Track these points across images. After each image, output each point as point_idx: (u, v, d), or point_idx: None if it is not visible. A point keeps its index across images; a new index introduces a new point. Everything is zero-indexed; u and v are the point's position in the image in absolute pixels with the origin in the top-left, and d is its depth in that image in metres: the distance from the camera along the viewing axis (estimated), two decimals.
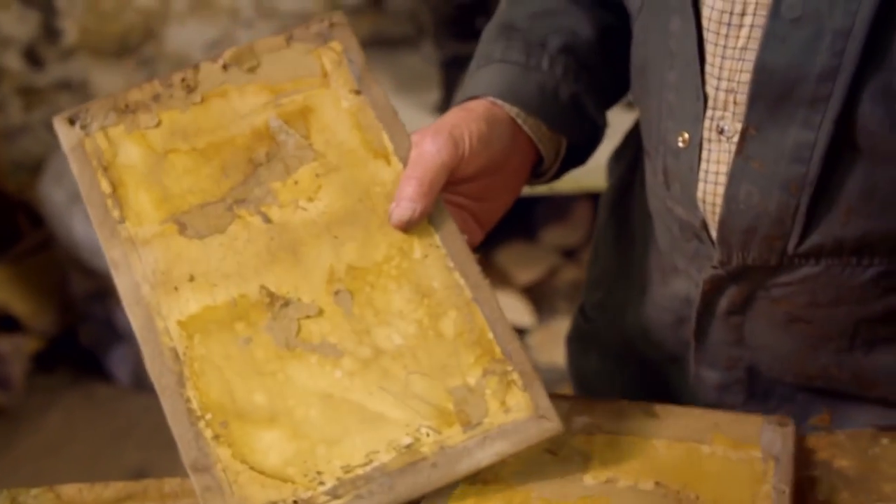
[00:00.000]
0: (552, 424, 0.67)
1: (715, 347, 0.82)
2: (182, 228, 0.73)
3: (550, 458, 0.71)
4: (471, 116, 0.76)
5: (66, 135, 0.75)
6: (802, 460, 0.73)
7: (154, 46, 2.29)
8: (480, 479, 0.69)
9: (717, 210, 0.74)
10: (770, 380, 0.82)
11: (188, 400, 0.68)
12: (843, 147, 0.68)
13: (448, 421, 0.67)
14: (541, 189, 0.89)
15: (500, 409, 0.68)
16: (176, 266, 0.71)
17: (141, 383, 2.12)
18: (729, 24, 0.69)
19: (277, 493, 0.65)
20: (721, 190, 0.73)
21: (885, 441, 0.75)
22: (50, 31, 2.23)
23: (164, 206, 0.73)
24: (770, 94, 0.68)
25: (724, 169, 0.73)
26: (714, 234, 0.75)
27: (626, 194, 0.93)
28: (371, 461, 0.66)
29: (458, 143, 0.73)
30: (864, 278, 0.73)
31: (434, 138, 0.73)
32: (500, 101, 0.79)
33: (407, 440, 0.67)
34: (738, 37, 0.69)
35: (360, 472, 0.66)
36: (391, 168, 0.75)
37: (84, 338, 2.19)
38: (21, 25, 2.23)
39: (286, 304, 0.70)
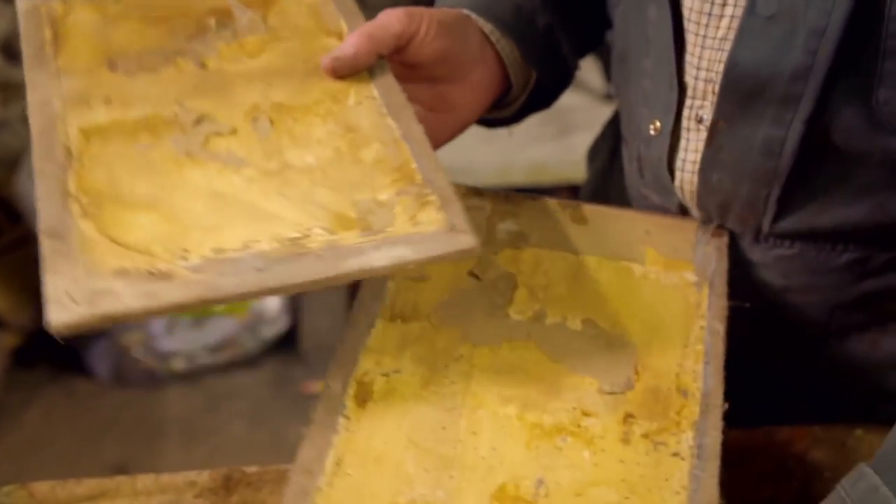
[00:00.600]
0: (467, 238, 0.59)
1: None
2: (112, 66, 0.69)
3: (475, 284, 0.67)
4: (439, 11, 0.75)
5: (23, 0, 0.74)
6: (777, 452, 0.73)
7: None
8: (400, 314, 0.64)
9: (695, 198, 0.74)
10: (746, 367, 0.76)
11: (65, 183, 0.60)
12: (814, 143, 0.67)
13: (347, 226, 0.59)
14: (520, 180, 0.86)
15: (409, 222, 0.59)
16: (96, 91, 0.67)
17: (121, 379, 2.14)
18: (710, 14, 0.69)
19: (132, 262, 0.55)
20: (696, 178, 0.73)
21: (859, 433, 0.74)
22: None
23: (100, 51, 0.70)
24: (741, 90, 0.67)
25: (693, 157, 0.73)
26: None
27: (605, 184, 0.92)
28: (248, 248, 0.57)
29: (413, 19, 0.71)
30: (839, 263, 0.73)
31: (389, 11, 0.71)
32: (474, 15, 0.77)
33: (294, 235, 0.58)
34: (717, 27, 0.69)
35: (231, 255, 0.56)
36: (341, 42, 0.71)
37: None
38: None
39: (199, 121, 0.65)
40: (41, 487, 0.70)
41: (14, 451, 2.03)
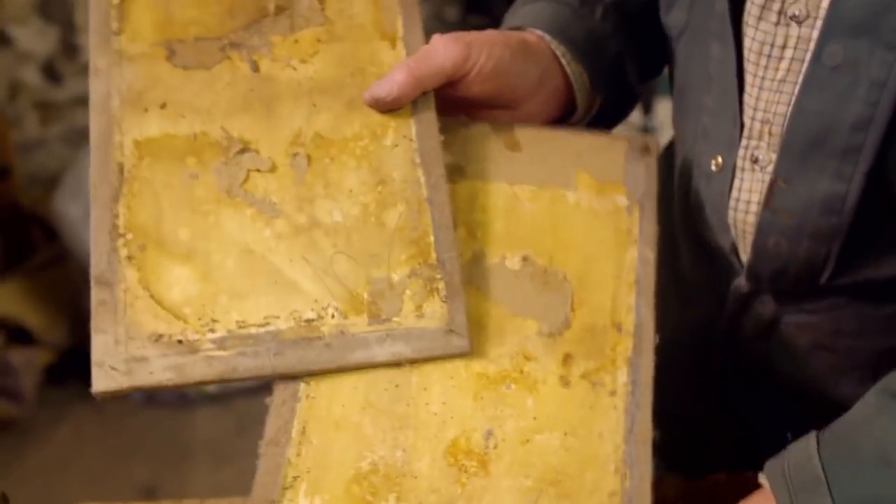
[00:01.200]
0: (460, 342, 0.65)
1: (738, 375, 0.80)
2: (171, 55, 0.72)
3: None
4: (501, 41, 0.73)
5: None
6: None
7: None
8: None
9: (748, 238, 0.73)
10: (792, 407, 0.79)
11: (116, 216, 0.67)
12: (874, 198, 0.67)
13: (358, 309, 0.65)
14: None
15: (414, 312, 0.65)
16: (152, 89, 0.71)
17: (151, 398, 2.15)
18: (769, 56, 0.68)
19: (167, 327, 0.64)
20: (752, 219, 0.72)
21: None
22: (68, 47, 2.23)
23: (162, 29, 0.73)
24: (803, 141, 0.67)
25: (755, 198, 0.72)
26: (743, 256, 0.75)
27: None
28: (268, 324, 0.64)
29: (469, 57, 0.71)
30: (891, 310, 0.73)
31: (447, 42, 0.71)
32: (547, 37, 0.76)
33: (310, 314, 0.65)
34: (777, 69, 0.68)
35: (253, 330, 0.64)
36: (394, 52, 0.73)
37: None
38: (40, 40, 2.22)
39: (242, 151, 0.69)
40: None
41: (43, 469, 2.03)
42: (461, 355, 0.65)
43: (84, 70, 2.21)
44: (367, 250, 0.67)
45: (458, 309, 0.66)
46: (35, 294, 2.19)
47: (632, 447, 0.65)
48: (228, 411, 2.17)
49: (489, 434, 0.65)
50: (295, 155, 0.70)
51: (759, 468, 0.67)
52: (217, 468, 1.98)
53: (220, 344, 0.64)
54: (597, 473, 0.64)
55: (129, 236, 0.66)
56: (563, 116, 0.79)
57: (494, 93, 0.73)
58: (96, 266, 0.65)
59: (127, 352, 0.63)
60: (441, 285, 0.66)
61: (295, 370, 0.64)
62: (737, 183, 0.73)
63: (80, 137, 2.21)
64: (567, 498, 0.63)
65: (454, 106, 0.74)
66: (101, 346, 0.63)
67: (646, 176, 0.73)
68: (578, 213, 0.72)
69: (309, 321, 0.65)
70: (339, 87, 0.72)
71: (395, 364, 0.65)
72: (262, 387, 0.65)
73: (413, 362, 0.65)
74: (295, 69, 0.73)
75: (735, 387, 0.82)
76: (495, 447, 0.65)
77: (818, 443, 0.63)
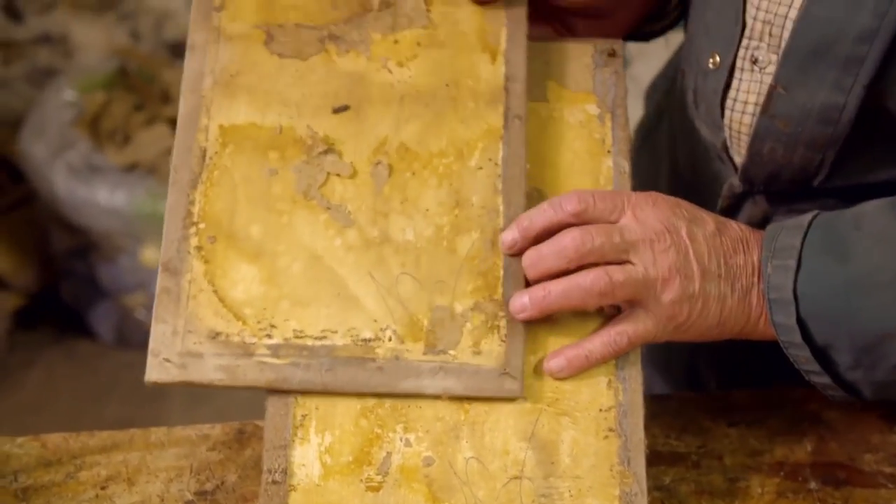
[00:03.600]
0: (513, 386, 0.64)
1: None
2: (269, 39, 0.71)
3: None
4: None
5: None
6: (791, 411, 0.74)
7: (135, 1, 2.18)
8: None
9: (742, 139, 0.73)
10: None
11: (192, 202, 0.67)
12: (871, 109, 0.66)
13: (416, 335, 0.65)
14: None
15: (471, 348, 0.65)
16: (246, 73, 0.70)
17: (123, 340, 2.10)
18: None
19: (226, 325, 0.64)
20: (748, 120, 0.72)
21: None
22: None
23: (264, 10, 0.72)
24: (806, 49, 0.66)
25: (752, 99, 0.72)
26: (736, 158, 0.75)
27: (659, 122, 0.93)
28: (325, 337, 0.64)
29: None
30: None
31: None
32: None
33: (368, 334, 0.64)
34: None
35: (309, 342, 0.64)
36: (493, 67, 0.72)
37: (66, 294, 2.13)
38: None
39: (326, 152, 0.68)
40: (54, 439, 0.71)
41: (16, 412, 1.97)
42: (511, 399, 0.64)
43: (45, 7, 2.15)
44: (435, 275, 0.66)
45: (517, 351, 0.65)
46: (2, 238, 2.13)
47: (622, 361, 0.67)
48: None
49: None
50: (377, 164, 0.69)
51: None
52: (192, 408, 1.88)
53: (275, 351, 0.63)
54: (592, 390, 0.66)
55: (202, 226, 0.66)
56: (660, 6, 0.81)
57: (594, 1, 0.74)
58: (165, 252, 0.66)
59: (183, 345, 0.63)
60: (503, 323, 0.65)
61: (345, 390, 0.64)
62: (735, 83, 0.72)
63: (43, 76, 2.16)
64: (566, 415, 0.65)
65: (549, 14, 0.74)
66: (160, 336, 0.63)
67: (615, 82, 0.73)
68: (551, 126, 0.72)
69: (366, 341, 0.64)
70: (432, 97, 0.71)
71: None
72: None
73: (461, 399, 0.65)
74: (391, 72, 0.71)
75: None
76: None
77: (819, 212, 0.68)
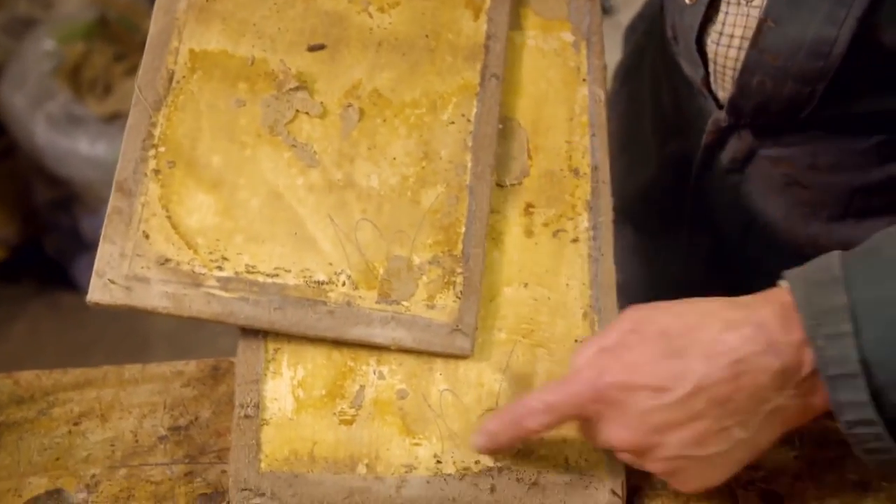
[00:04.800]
0: (463, 343, 0.63)
1: (710, 211, 0.80)
2: None
3: None
4: None
5: None
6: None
7: None
8: None
9: (727, 73, 0.72)
10: (761, 248, 0.79)
11: (153, 124, 0.65)
12: (862, 43, 0.64)
13: (370, 283, 0.63)
14: None
15: (425, 301, 0.63)
16: (222, 0, 0.69)
17: None
18: None
19: (176, 253, 0.62)
20: (734, 53, 0.71)
21: None
22: None
23: None
24: None
25: (739, 32, 0.70)
26: (720, 93, 0.74)
27: (640, 61, 0.92)
28: (277, 275, 0.62)
29: None
30: (868, 144, 0.72)
31: None
32: None
33: (321, 277, 0.63)
34: None
35: (260, 278, 0.62)
36: (475, 24, 0.71)
37: (49, 247, 2.11)
38: None
39: (296, 89, 0.67)
40: (26, 376, 0.70)
41: (0, 366, 1.99)
42: (461, 356, 0.63)
43: None
44: (395, 225, 0.65)
45: (470, 309, 0.64)
46: None
47: (597, 292, 0.66)
48: None
49: None
50: (348, 106, 0.67)
51: None
52: (176, 360, 1.94)
53: (225, 284, 0.62)
54: (567, 321, 0.65)
55: (162, 149, 0.64)
56: None
57: None
58: (121, 171, 0.64)
59: (130, 269, 0.61)
60: (460, 280, 0.64)
61: (291, 330, 0.62)
62: (721, 17, 0.71)
63: (22, 27, 2.09)
64: (541, 346, 0.64)
65: None
66: (106, 257, 0.62)
67: (589, 9, 0.73)
68: (526, 54, 0.72)
69: (319, 283, 0.63)
70: (410, 47, 0.70)
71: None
72: None
73: (409, 351, 0.63)
74: (371, 16, 0.70)
75: (703, 230, 0.82)
76: None
77: (840, 254, 0.58)
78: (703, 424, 0.55)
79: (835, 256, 0.57)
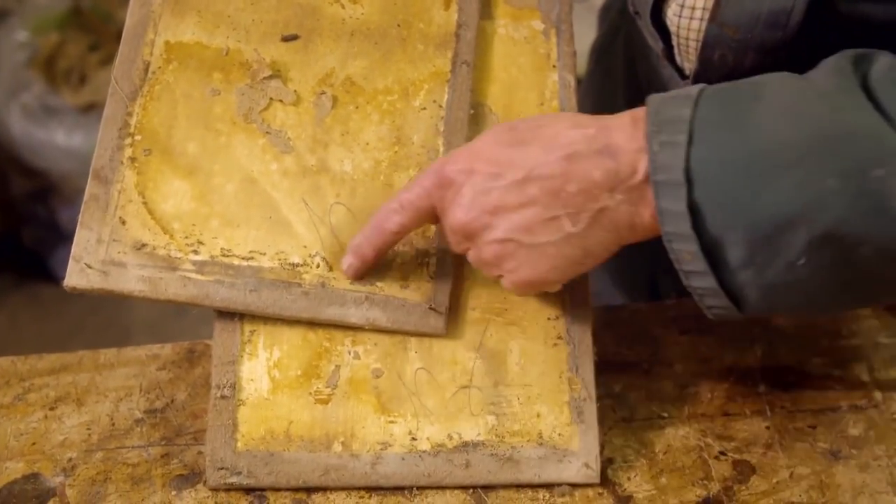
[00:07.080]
0: (437, 323, 0.64)
1: None
2: None
3: None
4: None
5: None
6: (743, 318, 0.68)
7: None
8: None
9: (691, 45, 0.73)
10: None
11: (130, 114, 0.66)
12: (819, 13, 0.65)
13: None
14: None
15: (399, 282, 0.65)
16: None
17: None
18: None
19: (152, 238, 0.63)
20: (696, 25, 0.71)
21: None
22: None
23: None
24: None
25: (700, 4, 0.70)
26: (686, 65, 0.75)
27: (614, 40, 0.93)
28: (252, 258, 0.64)
29: None
30: None
31: None
32: None
33: (296, 259, 0.64)
34: None
35: (235, 261, 0.63)
36: (446, 13, 0.72)
37: (27, 239, 2.08)
38: None
39: (270, 77, 0.68)
40: (2, 362, 0.70)
41: None
42: (435, 335, 0.64)
43: None
44: (369, 208, 0.66)
45: (443, 289, 0.65)
46: None
47: None
48: None
49: None
50: (322, 94, 0.69)
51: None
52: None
53: (200, 268, 0.63)
54: (540, 299, 0.67)
55: (138, 137, 0.66)
56: None
57: None
58: (98, 159, 0.65)
59: (107, 254, 0.63)
60: (433, 261, 0.65)
61: (267, 312, 0.63)
62: None
63: (1, 15, 2.09)
64: (514, 325, 0.66)
65: None
66: (83, 242, 0.63)
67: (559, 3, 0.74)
68: (497, 42, 0.73)
69: (293, 265, 0.64)
70: (382, 36, 0.71)
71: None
72: None
73: (384, 331, 0.64)
74: (343, 7, 0.71)
75: None
76: None
77: (706, 85, 0.61)
78: (533, 211, 0.59)
79: (702, 85, 0.60)
